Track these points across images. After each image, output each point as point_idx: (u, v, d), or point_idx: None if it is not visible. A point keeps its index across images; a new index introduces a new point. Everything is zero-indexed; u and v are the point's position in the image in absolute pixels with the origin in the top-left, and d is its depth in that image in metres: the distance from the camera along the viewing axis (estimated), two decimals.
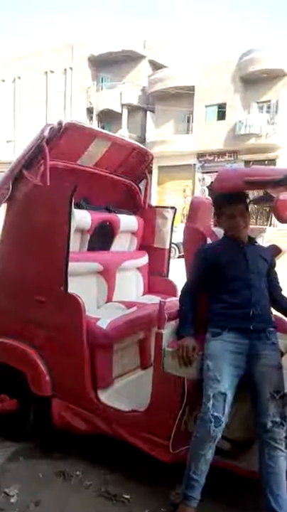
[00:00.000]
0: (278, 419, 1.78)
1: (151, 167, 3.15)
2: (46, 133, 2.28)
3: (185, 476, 1.88)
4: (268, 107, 18.60)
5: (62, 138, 2.36)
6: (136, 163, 3.00)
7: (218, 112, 19.68)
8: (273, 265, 2.13)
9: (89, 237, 2.70)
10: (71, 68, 22.91)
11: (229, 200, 2.03)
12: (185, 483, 1.87)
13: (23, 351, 2.38)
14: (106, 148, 2.69)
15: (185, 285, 2.17)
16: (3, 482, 2.15)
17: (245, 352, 1.93)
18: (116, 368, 2.46)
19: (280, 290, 2.15)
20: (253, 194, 2.26)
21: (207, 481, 1.86)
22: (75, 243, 2.59)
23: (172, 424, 2.01)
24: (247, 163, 16.89)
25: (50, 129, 2.31)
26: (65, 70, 23.04)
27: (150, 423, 2.10)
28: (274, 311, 2.12)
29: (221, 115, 19.51)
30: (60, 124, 2.32)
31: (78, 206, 2.58)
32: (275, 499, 1.76)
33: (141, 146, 3.01)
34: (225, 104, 19.24)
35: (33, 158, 2.36)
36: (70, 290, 2.24)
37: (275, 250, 2.30)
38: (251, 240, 2.11)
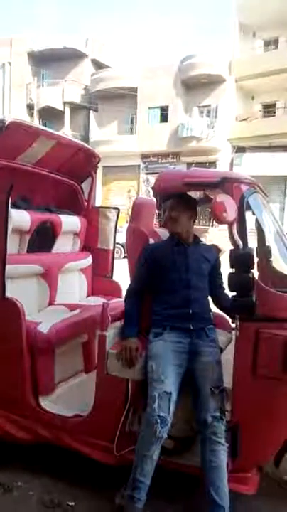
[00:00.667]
0: (217, 414, 1.84)
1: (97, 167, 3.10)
2: None
3: (131, 478, 1.87)
4: (209, 112, 19.23)
5: (3, 136, 2.24)
6: (82, 164, 2.94)
7: (161, 114, 20.00)
8: (216, 265, 2.17)
9: (28, 238, 2.60)
10: (9, 63, 22.05)
11: (166, 197, 2.06)
12: (131, 485, 1.87)
13: None
14: (50, 147, 2.59)
15: (129, 285, 2.17)
16: None
17: (186, 350, 1.97)
18: (59, 372, 2.39)
19: (223, 289, 2.19)
20: (196, 195, 2.30)
21: (152, 481, 1.86)
22: (13, 245, 2.49)
23: (116, 427, 1.99)
24: (189, 164, 17.35)
25: None
26: (3, 64, 22.13)
27: (93, 427, 2.07)
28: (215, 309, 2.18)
29: (164, 117, 19.85)
30: (2, 122, 2.19)
31: (16, 206, 2.48)
32: (216, 491, 1.81)
33: (88, 146, 2.94)
34: (168, 106, 19.60)
35: None
36: (8, 294, 2.15)
37: (216, 250, 2.37)
38: (196, 240, 2.15)
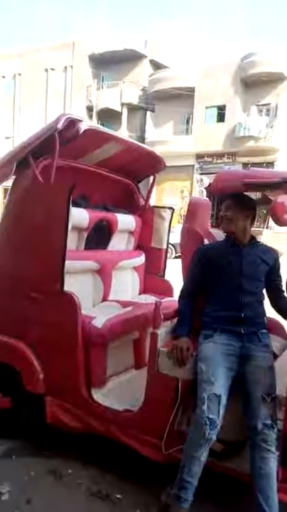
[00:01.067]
0: (268, 422, 1.78)
1: None
2: (60, 125, 2.15)
3: (178, 478, 1.87)
4: (268, 110, 18.65)
5: (76, 140, 2.28)
6: (145, 167, 3.00)
7: (218, 113, 19.70)
8: (276, 267, 2.10)
9: (86, 235, 2.69)
10: (71, 66, 22.85)
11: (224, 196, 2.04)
12: (178, 484, 1.87)
13: (17, 349, 2.37)
14: (116, 150, 2.64)
15: (183, 285, 2.18)
16: None
17: (237, 354, 1.94)
18: (110, 367, 2.45)
19: (283, 292, 2.12)
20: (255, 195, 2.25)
21: (200, 482, 1.86)
22: (72, 241, 2.58)
23: (165, 425, 2.01)
24: (245, 165, 16.92)
25: (69, 121, 2.18)
26: (66, 67, 22.97)
27: (143, 423, 2.10)
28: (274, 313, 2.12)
29: (221, 117, 19.54)
30: (77, 128, 2.20)
31: (76, 204, 2.57)
32: (265, 500, 1.76)
33: (157, 154, 2.92)
34: (225, 106, 19.27)
35: (41, 147, 2.25)
36: (66, 288, 2.23)
37: (274, 251, 2.30)
38: (253, 241, 2.10)
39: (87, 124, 2.28)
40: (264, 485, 1.77)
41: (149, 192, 3.17)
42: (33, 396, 2.35)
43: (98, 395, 2.29)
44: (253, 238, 2.10)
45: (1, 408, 2.46)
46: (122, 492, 2.08)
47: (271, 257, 2.08)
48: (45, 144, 2.22)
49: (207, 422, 1.79)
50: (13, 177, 2.41)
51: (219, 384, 1.84)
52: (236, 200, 2.04)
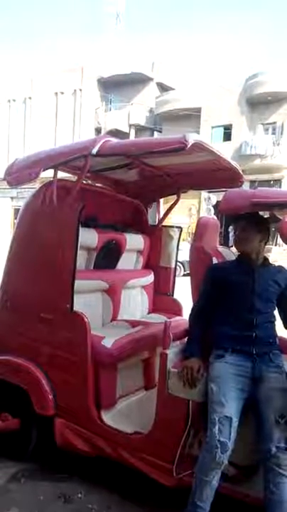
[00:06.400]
0: (282, 445, 1.74)
1: None
2: (95, 150, 2.09)
3: (190, 503, 1.83)
4: (274, 129, 18.83)
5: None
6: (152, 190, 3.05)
7: (224, 132, 19.95)
8: None
9: (95, 255, 2.71)
10: (80, 89, 23.48)
11: (236, 216, 2.04)
12: (189, 509, 1.82)
13: (26, 369, 2.36)
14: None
15: (194, 304, 2.17)
16: (3, 504, 2.11)
17: (249, 375, 1.91)
18: (120, 388, 2.43)
19: None
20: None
21: (212, 508, 1.81)
22: (81, 261, 2.60)
23: (176, 448, 1.97)
24: (253, 182, 17.00)
25: (106, 143, 2.12)
26: (75, 91, 23.61)
27: (153, 446, 2.06)
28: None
29: (227, 136, 19.76)
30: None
31: (85, 225, 2.60)
32: None
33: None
34: (231, 125, 19.52)
35: (70, 161, 2.22)
36: (76, 308, 2.24)
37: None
38: (266, 262, 2.09)
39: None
40: (277, 510, 1.72)
41: (167, 211, 3.19)
42: (42, 418, 2.33)
43: (107, 417, 2.26)
44: (265, 259, 2.10)
45: (10, 430, 2.43)
46: None
47: (283, 277, 2.06)
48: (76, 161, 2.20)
49: (218, 445, 1.75)
50: (27, 191, 2.43)
51: (230, 406, 1.81)
52: (252, 220, 2.03)
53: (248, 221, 2.03)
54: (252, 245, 2.02)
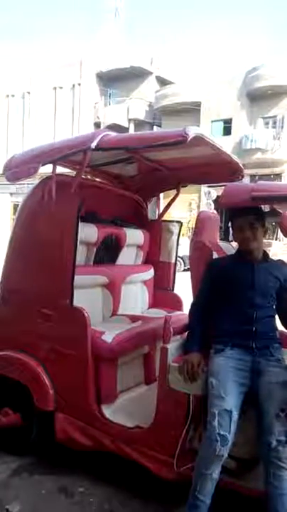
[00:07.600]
0: (283, 438, 1.75)
1: None
2: (94, 144, 2.06)
3: (190, 496, 1.83)
4: (274, 123, 18.74)
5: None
6: (151, 184, 3.03)
7: (224, 127, 19.85)
8: None
9: (95, 250, 2.71)
10: (79, 84, 23.33)
11: (238, 212, 2.03)
12: (190, 503, 1.83)
13: (26, 364, 2.37)
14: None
15: (194, 300, 2.17)
16: (5, 498, 2.12)
17: (248, 369, 1.91)
18: (120, 382, 2.43)
19: None
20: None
21: (213, 501, 1.82)
22: (81, 256, 2.60)
23: (176, 442, 1.98)
24: (253, 177, 16.96)
25: (105, 137, 2.09)
26: (74, 85, 23.46)
27: (154, 440, 2.07)
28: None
29: (227, 130, 19.67)
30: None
31: (85, 220, 2.59)
32: None
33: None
34: (231, 119, 19.43)
35: (69, 156, 2.19)
36: (76, 303, 2.24)
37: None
38: (266, 257, 2.08)
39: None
40: (278, 505, 1.73)
41: (167, 206, 3.18)
42: (42, 413, 2.34)
43: (108, 411, 2.27)
44: (265, 253, 2.09)
45: (11, 425, 2.44)
46: (134, 511, 2.04)
47: (282, 272, 2.06)
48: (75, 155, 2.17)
49: (218, 439, 1.76)
50: (27, 186, 2.41)
51: (229, 399, 1.82)
52: (258, 217, 2.00)
53: (256, 217, 1.99)
54: (259, 242, 2.01)
